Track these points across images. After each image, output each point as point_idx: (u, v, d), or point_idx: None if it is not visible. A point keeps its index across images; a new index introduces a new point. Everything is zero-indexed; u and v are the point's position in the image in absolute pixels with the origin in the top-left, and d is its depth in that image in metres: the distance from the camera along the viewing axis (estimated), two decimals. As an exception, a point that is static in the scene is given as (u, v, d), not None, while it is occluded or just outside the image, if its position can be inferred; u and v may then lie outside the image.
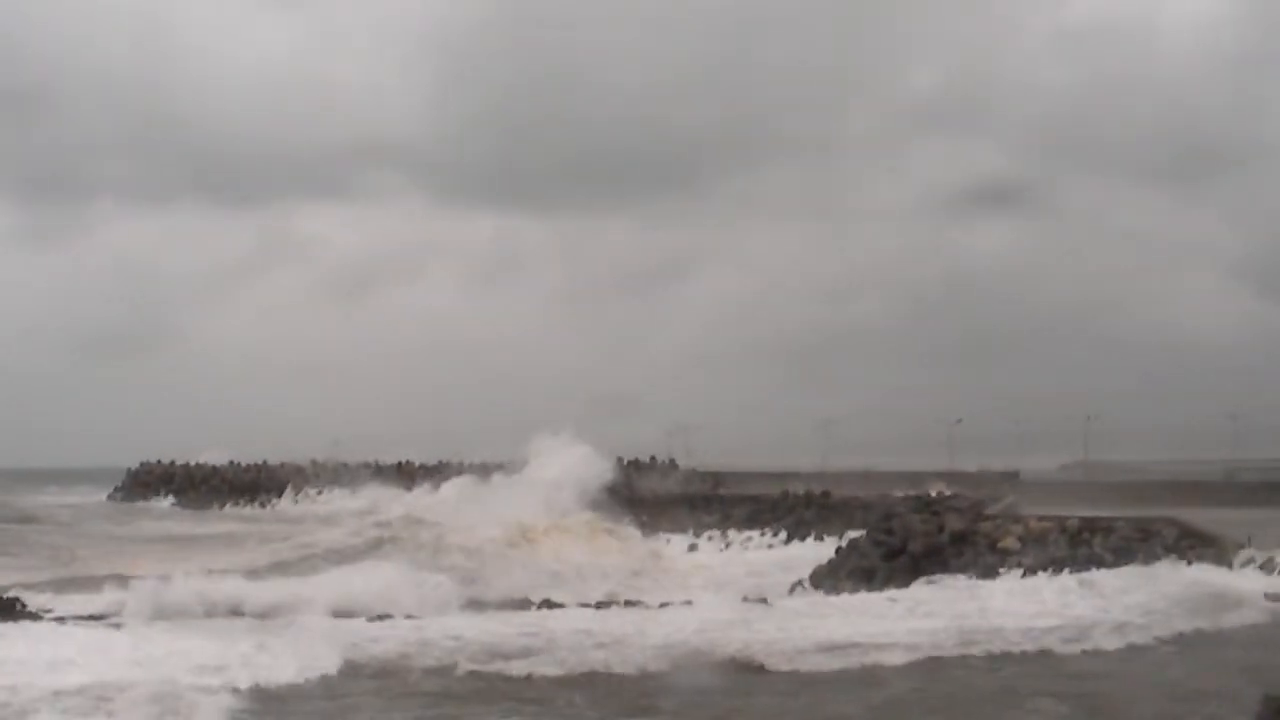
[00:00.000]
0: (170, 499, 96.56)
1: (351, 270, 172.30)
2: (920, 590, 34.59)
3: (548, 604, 33.05)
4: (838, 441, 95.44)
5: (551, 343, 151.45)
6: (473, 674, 22.43)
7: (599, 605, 32.66)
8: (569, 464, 61.55)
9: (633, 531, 54.41)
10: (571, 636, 25.63)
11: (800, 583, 40.25)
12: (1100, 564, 36.15)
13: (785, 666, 23.43)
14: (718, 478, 68.08)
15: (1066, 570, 35.29)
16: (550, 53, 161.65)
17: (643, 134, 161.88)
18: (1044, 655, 25.10)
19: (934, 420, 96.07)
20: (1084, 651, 25.46)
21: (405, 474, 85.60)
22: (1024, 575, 35.52)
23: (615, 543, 51.57)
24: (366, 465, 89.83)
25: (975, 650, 25.22)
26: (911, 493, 51.32)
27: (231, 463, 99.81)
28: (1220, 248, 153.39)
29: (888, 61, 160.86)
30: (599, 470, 62.07)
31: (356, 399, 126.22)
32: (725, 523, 55.68)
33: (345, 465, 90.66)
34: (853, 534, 44.77)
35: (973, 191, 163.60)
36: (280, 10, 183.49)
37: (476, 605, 32.08)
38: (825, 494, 54.97)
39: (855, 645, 25.07)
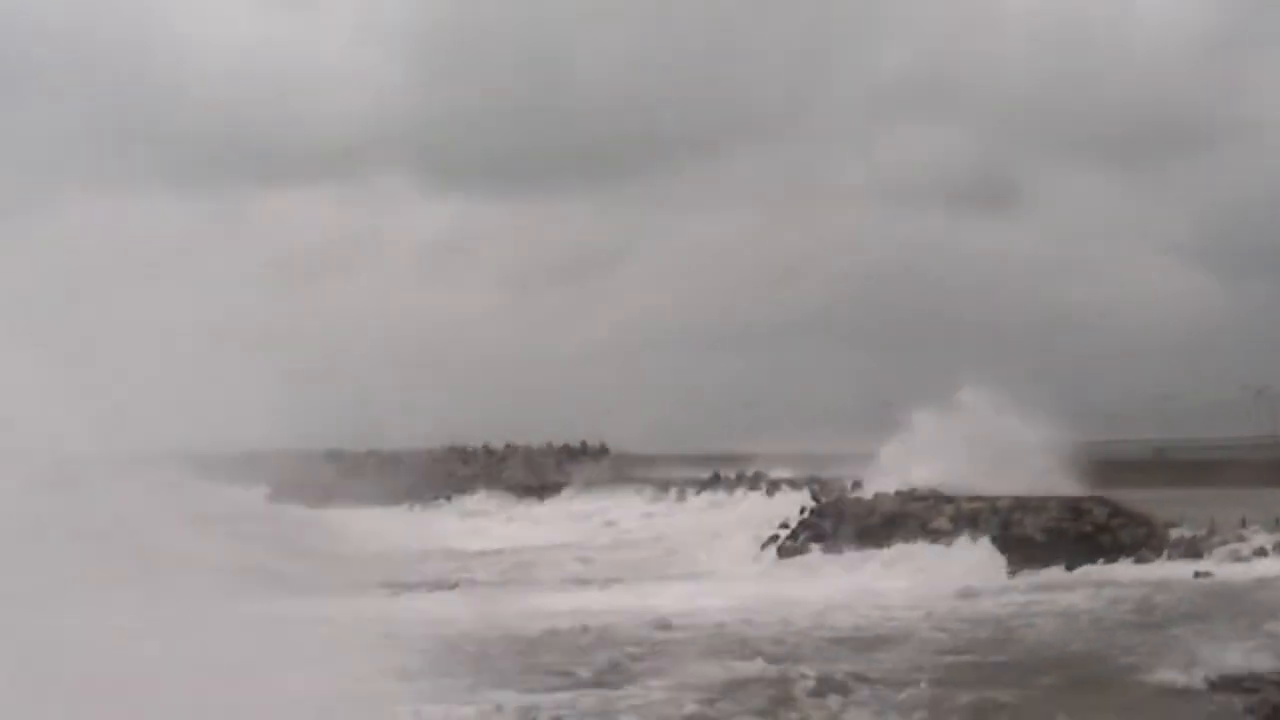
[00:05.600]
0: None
1: (304, 254, 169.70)
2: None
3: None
4: (770, 423, 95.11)
5: (492, 328, 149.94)
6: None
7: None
8: None
9: None
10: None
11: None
12: (1031, 544, 35.98)
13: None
14: (650, 461, 67.43)
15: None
16: (517, 39, 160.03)
17: (608, 118, 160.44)
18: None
19: (868, 402, 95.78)
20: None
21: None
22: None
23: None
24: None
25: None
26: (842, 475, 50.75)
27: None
28: (1173, 229, 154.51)
29: (858, 44, 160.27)
30: None
31: (298, 387, 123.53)
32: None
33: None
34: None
35: (933, 177, 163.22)
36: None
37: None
38: (757, 475, 54.41)
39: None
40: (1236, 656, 20.54)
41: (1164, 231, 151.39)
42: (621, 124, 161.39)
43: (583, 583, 34.99)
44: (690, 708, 18.13)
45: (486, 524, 56.52)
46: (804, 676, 20.07)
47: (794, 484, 50.83)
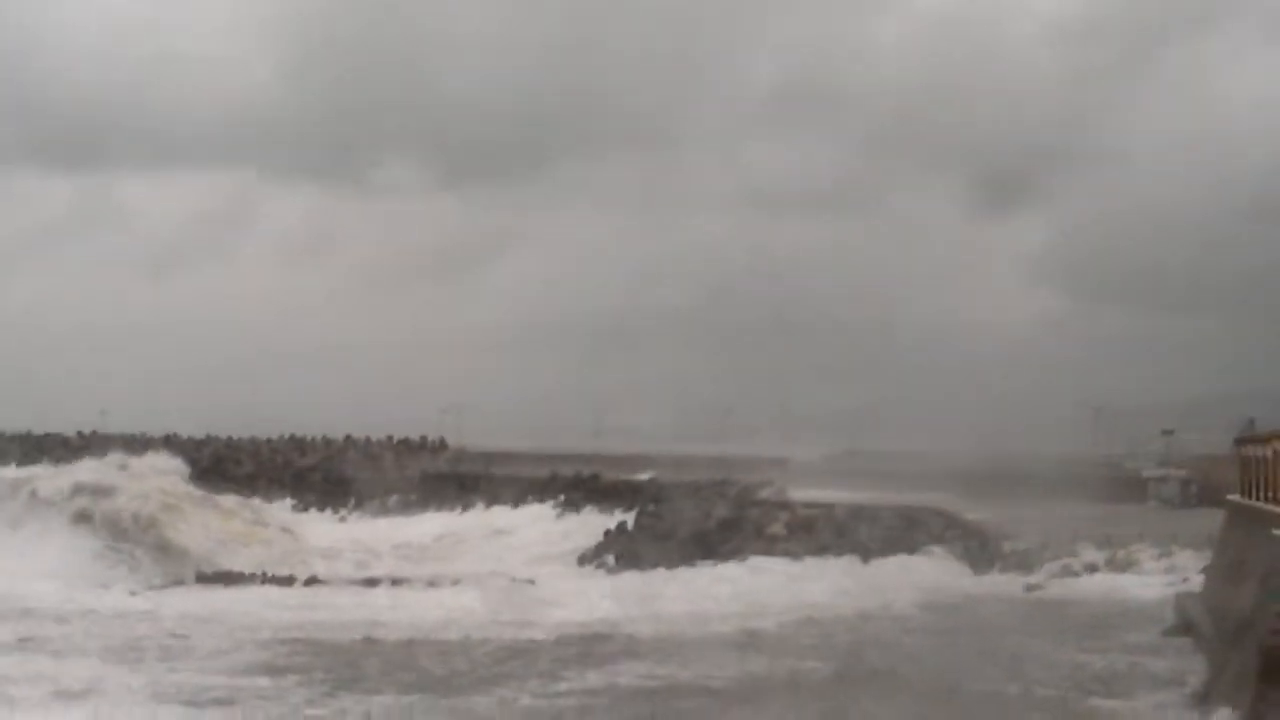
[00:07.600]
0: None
1: (164, 240, 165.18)
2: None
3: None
4: (617, 425, 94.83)
5: (350, 320, 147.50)
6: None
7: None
8: None
9: None
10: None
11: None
12: (866, 552, 35.73)
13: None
14: (489, 458, 65.96)
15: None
16: (394, 35, 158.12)
17: (479, 119, 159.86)
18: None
19: (713, 407, 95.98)
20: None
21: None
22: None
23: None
24: None
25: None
26: (683, 478, 50.22)
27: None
28: (1032, 249, 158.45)
29: (730, 56, 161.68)
30: None
31: (143, 370, 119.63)
32: (493, 502, 53.85)
33: None
34: (621, 516, 43.43)
35: (798, 186, 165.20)
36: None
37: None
38: (594, 476, 53.47)
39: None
40: (1062, 671, 20.41)
41: (1022, 251, 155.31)
42: (492, 125, 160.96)
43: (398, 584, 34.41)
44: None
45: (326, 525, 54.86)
46: (656, 683, 20.12)
47: (637, 487, 50.16)
